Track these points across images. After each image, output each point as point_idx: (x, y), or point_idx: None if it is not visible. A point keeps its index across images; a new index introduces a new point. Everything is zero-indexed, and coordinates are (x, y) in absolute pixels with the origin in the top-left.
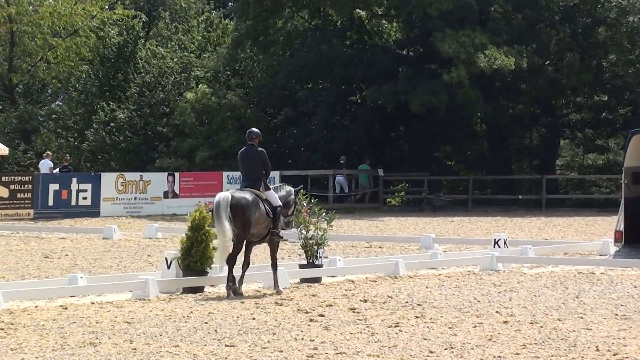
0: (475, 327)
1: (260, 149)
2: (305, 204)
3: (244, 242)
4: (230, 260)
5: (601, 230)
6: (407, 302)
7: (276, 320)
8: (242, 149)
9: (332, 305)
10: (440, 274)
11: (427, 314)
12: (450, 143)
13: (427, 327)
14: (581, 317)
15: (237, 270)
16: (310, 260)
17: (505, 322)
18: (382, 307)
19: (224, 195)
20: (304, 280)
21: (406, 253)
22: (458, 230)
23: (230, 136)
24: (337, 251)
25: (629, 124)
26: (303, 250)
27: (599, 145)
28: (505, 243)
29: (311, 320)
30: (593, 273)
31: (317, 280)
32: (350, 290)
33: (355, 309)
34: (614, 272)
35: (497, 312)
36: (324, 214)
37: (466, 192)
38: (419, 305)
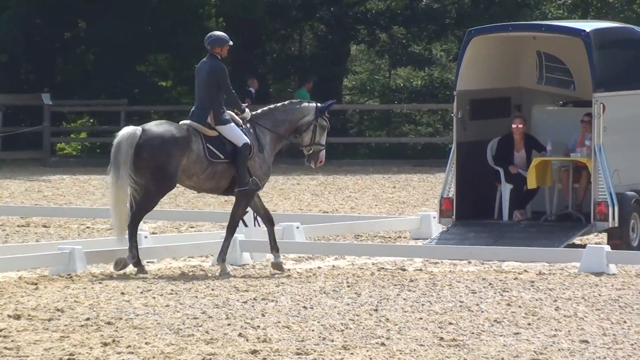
0: None
1: (217, 64)
2: None
3: (157, 201)
4: (132, 224)
5: (417, 198)
6: (89, 319)
7: None
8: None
9: None
10: (146, 273)
11: (122, 338)
12: (167, 50)
13: None
14: (382, 344)
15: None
16: None
17: (254, 352)
18: (47, 327)
19: (130, 131)
20: None
21: (90, 236)
22: (181, 196)
23: None
24: None
25: (466, 18)
26: None
27: (415, 53)
28: (256, 219)
29: None
30: (403, 269)
31: None
32: None
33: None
34: (439, 267)
35: (240, 335)
36: None
37: None
38: (109, 324)
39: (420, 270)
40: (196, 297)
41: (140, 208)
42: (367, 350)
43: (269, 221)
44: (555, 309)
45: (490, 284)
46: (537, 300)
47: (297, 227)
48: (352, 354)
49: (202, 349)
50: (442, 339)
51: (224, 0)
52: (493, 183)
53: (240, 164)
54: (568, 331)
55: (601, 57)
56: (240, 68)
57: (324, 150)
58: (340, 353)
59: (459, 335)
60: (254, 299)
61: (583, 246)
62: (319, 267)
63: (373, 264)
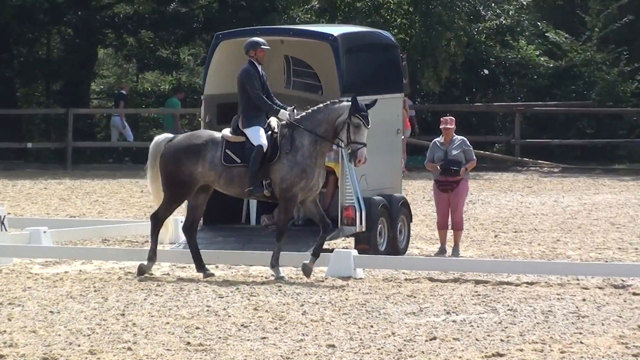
0: None
1: (243, 67)
2: None
3: (172, 209)
4: (155, 223)
5: None
6: None
7: None
8: None
9: None
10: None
11: None
12: None
13: None
14: (129, 349)
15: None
16: None
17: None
18: None
19: (157, 138)
20: None
21: None
22: None
23: None
24: None
25: (214, 22)
26: None
27: (162, 57)
28: (2, 223)
29: None
30: (151, 274)
31: None
32: None
33: None
34: (187, 272)
35: None
36: None
37: None
38: None
39: (168, 274)
40: None
41: (158, 213)
42: (114, 355)
43: (324, 228)
44: (303, 314)
45: (238, 288)
46: (284, 304)
47: (45, 232)
48: (98, 358)
49: None
50: (189, 343)
51: None
52: None
53: (250, 165)
54: (315, 335)
55: (349, 62)
56: None
57: (364, 149)
58: (87, 358)
59: (205, 340)
60: (0, 303)
61: (330, 250)
62: (66, 272)
63: (120, 269)
